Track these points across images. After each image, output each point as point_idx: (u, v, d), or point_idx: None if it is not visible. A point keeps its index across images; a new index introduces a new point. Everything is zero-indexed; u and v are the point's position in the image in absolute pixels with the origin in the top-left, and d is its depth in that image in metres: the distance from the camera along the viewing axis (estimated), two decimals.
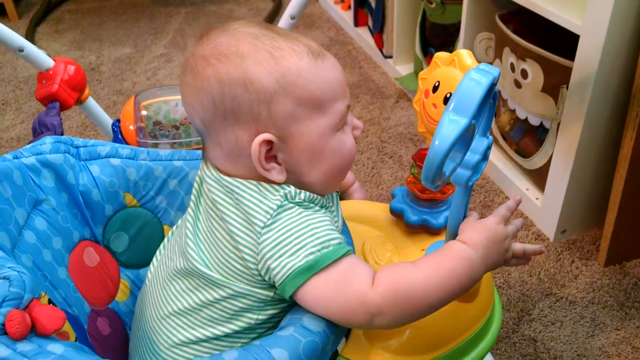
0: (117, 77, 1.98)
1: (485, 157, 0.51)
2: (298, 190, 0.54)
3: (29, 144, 0.76)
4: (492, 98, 0.48)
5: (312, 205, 0.54)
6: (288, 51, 0.52)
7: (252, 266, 0.53)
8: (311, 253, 0.50)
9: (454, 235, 0.57)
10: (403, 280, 0.51)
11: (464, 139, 0.45)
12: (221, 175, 0.56)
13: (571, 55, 1.04)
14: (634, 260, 1.13)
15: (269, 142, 0.53)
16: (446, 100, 0.59)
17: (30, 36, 2.29)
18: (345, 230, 0.64)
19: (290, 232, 0.51)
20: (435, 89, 0.61)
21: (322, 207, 0.56)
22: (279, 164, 0.54)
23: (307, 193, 0.54)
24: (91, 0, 2.73)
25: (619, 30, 0.93)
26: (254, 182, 0.54)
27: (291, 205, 0.53)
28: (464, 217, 0.57)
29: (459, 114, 0.43)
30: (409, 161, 1.47)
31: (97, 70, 2.04)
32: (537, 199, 1.25)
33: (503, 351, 0.98)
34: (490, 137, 0.52)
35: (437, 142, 0.43)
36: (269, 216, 0.52)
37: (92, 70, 2.03)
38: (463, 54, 0.59)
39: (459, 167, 0.49)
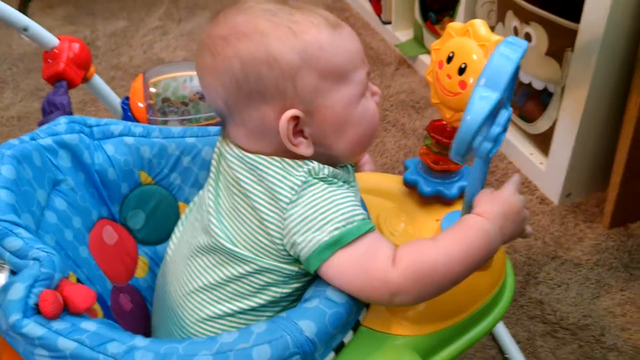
0: (113, 51, 1.95)
1: (505, 128, 0.52)
2: (322, 166, 0.55)
3: (39, 124, 0.76)
4: (516, 71, 0.48)
5: (335, 180, 0.55)
6: (307, 25, 0.53)
7: (278, 241, 0.54)
8: (336, 228, 0.51)
9: (470, 207, 0.58)
10: (425, 258, 0.52)
11: (493, 113, 0.46)
12: (243, 152, 0.56)
13: (576, 18, 1.03)
14: (639, 221, 1.15)
15: (295, 118, 0.53)
16: (461, 70, 0.59)
17: (22, 12, 2.25)
18: (361, 204, 0.65)
19: (316, 208, 0.52)
20: (449, 59, 0.61)
21: (345, 182, 0.57)
22: (306, 138, 0.55)
23: (330, 169, 0.55)
24: None
25: None
26: (278, 159, 0.55)
27: (315, 180, 0.54)
28: (482, 187, 0.58)
29: (490, 90, 0.43)
30: (412, 129, 1.47)
31: (92, 45, 2.01)
32: (541, 163, 1.26)
33: (511, 314, 1.01)
34: (510, 109, 0.52)
35: (469, 118, 0.43)
36: (294, 192, 0.53)
37: (87, 46, 2.00)
38: (477, 23, 0.59)
39: None
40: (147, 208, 0.72)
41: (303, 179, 0.53)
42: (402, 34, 1.79)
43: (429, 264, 0.52)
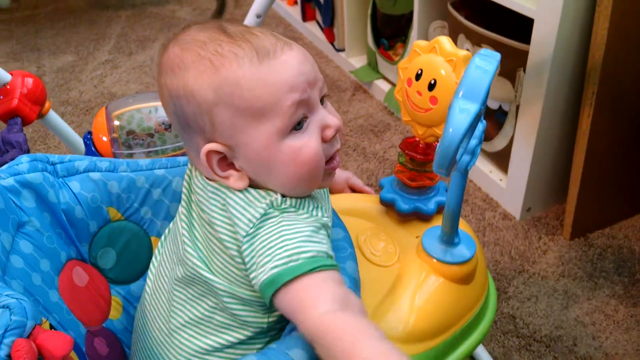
0: (62, 87, 1.90)
1: (480, 140, 0.53)
2: (285, 198, 0.53)
3: None
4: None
5: (299, 210, 0.53)
6: (229, 58, 0.50)
7: (245, 270, 0.52)
8: (276, 266, 0.48)
9: (451, 221, 0.58)
10: (347, 340, 0.43)
11: (473, 125, 0.46)
12: (207, 181, 0.55)
13: (525, 39, 1.08)
14: (597, 231, 1.19)
15: (218, 152, 0.52)
16: (431, 86, 0.60)
17: None
18: (340, 224, 0.64)
19: (264, 244, 0.49)
20: (418, 76, 0.62)
21: (316, 207, 0.55)
22: (238, 171, 0.53)
23: (296, 199, 0.53)
24: (23, 9, 2.61)
25: (572, 12, 0.98)
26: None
27: (276, 213, 0.51)
28: (461, 200, 0.58)
29: (469, 101, 0.44)
30: (373, 152, 1.48)
31: None
32: (500, 180, 1.29)
33: None
34: (484, 121, 0.53)
35: (450, 130, 0.43)
36: (251, 225, 0.51)
37: None
38: (443, 40, 0.61)
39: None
40: (117, 246, 0.69)
41: (262, 211, 0.51)
42: (355, 60, 1.83)
43: (345, 348, 0.42)
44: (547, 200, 1.25)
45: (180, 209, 0.59)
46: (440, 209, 0.70)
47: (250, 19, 0.88)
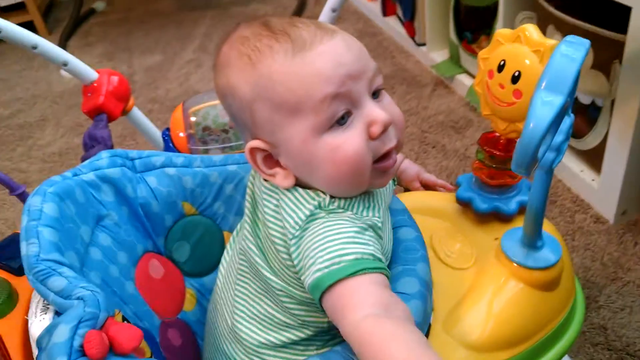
0: (150, 85, 1.99)
1: (567, 136, 0.48)
2: (334, 199, 0.51)
3: (81, 159, 0.76)
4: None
5: (347, 212, 0.51)
6: (265, 52, 0.49)
7: (296, 271, 0.51)
8: (319, 270, 0.46)
9: (534, 222, 0.54)
10: (384, 346, 0.40)
11: (557, 120, 0.42)
12: (262, 181, 0.55)
13: (621, 29, 0.99)
14: None
15: (262, 149, 0.51)
16: (515, 78, 0.56)
17: None
18: (412, 224, 0.62)
19: (309, 245, 0.48)
20: (500, 68, 0.58)
21: (366, 208, 0.52)
22: (284, 169, 0.52)
23: (345, 200, 0.51)
24: (117, 11, 2.75)
25: None
26: (291, 188, 0.52)
27: (322, 214, 0.50)
28: (546, 201, 0.54)
29: (553, 93, 0.40)
30: (453, 149, 1.43)
31: (130, 80, 2.02)
32: (592, 180, 1.20)
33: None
34: (572, 115, 0.49)
35: (531, 125, 0.40)
36: (297, 226, 0.50)
37: None
38: (529, 28, 0.56)
39: None
40: (192, 239, 0.70)
41: (308, 212, 0.50)
42: (437, 55, 1.77)
43: (382, 353, 0.40)
44: None
45: (247, 204, 0.59)
46: (522, 209, 0.65)
47: (325, 14, 0.87)
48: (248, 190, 0.59)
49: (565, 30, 1.12)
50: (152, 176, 0.68)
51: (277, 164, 0.52)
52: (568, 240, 1.13)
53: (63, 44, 2.39)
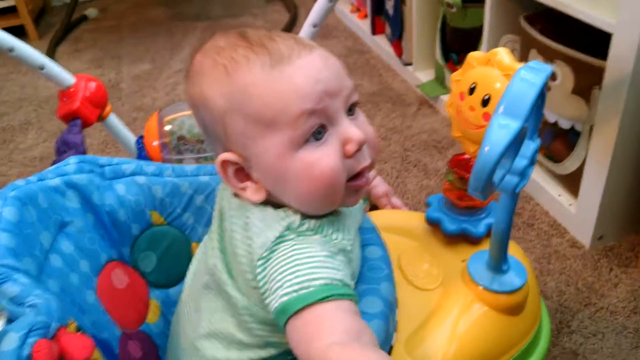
0: (136, 93, 1.98)
1: (532, 161, 0.48)
2: (304, 220, 0.50)
3: (52, 163, 0.74)
4: (540, 98, 0.45)
5: (316, 235, 0.50)
6: (241, 62, 0.48)
7: (261, 292, 0.50)
8: (286, 294, 0.45)
9: (499, 245, 0.54)
10: None
11: (515, 144, 0.42)
12: (232, 196, 0.54)
13: (602, 55, 1.00)
14: None
15: (234, 162, 0.50)
16: (485, 102, 0.56)
17: (50, 56, 2.30)
18: (379, 242, 0.61)
19: (276, 269, 0.47)
20: (471, 90, 0.59)
21: (336, 230, 0.51)
22: (255, 182, 0.51)
23: (316, 221, 0.50)
24: (109, 19, 2.76)
25: None
26: (260, 207, 0.51)
27: (291, 236, 0.48)
28: (510, 225, 0.54)
29: (510, 118, 0.40)
30: (434, 169, 1.44)
31: (116, 87, 2.04)
32: (570, 204, 1.21)
33: None
34: (538, 140, 0.49)
35: (486, 149, 0.40)
36: (265, 247, 0.48)
37: (112, 88, 2.04)
38: (501, 52, 0.56)
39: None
40: (159, 249, 0.69)
41: (277, 233, 0.48)
42: (423, 75, 1.79)
43: None
44: (622, 228, 1.15)
45: (214, 218, 0.58)
46: (490, 232, 0.65)
47: (306, 29, 0.88)
48: (217, 204, 0.59)
49: (547, 54, 1.14)
50: (120, 184, 0.67)
51: (249, 177, 0.51)
52: (544, 264, 1.13)
53: (52, 49, 2.38)
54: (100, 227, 0.64)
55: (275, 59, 0.47)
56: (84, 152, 0.84)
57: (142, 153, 0.93)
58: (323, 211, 0.51)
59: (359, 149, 0.49)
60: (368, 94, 1.82)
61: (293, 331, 0.45)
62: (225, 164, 0.50)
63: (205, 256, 0.60)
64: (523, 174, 0.48)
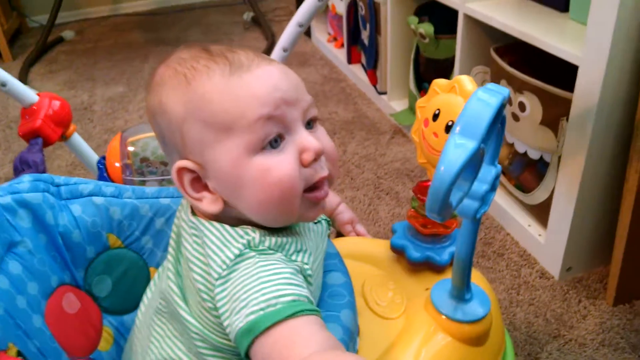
0: (109, 115, 1.96)
1: (493, 187, 0.48)
2: (264, 238, 0.49)
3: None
4: (500, 123, 0.45)
5: (277, 254, 0.48)
6: (202, 71, 0.48)
7: (217, 315, 0.48)
8: (252, 312, 0.43)
9: (462, 273, 0.53)
10: None
11: (472, 166, 0.42)
12: (189, 215, 0.52)
13: (570, 87, 1.02)
14: None
15: (191, 170, 0.49)
16: (448, 128, 0.56)
17: (23, 76, 2.28)
18: (342, 269, 0.60)
19: (240, 287, 0.45)
20: (435, 117, 0.58)
21: (297, 252, 0.50)
22: (212, 193, 0.50)
23: (276, 239, 0.49)
24: (85, 41, 2.74)
25: (620, 60, 0.91)
26: (217, 225, 0.50)
27: (252, 254, 0.47)
28: (472, 252, 0.53)
29: (466, 138, 0.39)
30: (407, 197, 1.43)
31: (89, 109, 2.02)
32: (539, 235, 1.21)
33: None
34: (499, 166, 0.48)
35: (442, 169, 0.39)
36: (224, 266, 0.47)
37: (84, 110, 2.01)
38: (464, 79, 0.56)
39: (466, 198, 0.46)
40: (114, 274, 0.67)
41: (237, 251, 0.47)
42: (397, 104, 1.80)
43: None
44: (590, 260, 1.16)
45: (171, 240, 0.57)
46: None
47: (276, 52, 0.87)
48: (174, 226, 0.57)
49: (516, 85, 1.15)
50: (77, 204, 0.64)
51: (205, 187, 0.50)
52: (513, 295, 1.12)
53: (26, 70, 2.35)
54: (52, 249, 0.62)
55: (234, 67, 0.48)
56: (43, 171, 0.81)
57: (103, 174, 0.91)
58: (279, 222, 0.50)
59: (316, 159, 0.49)
60: (343, 121, 1.82)
61: (261, 351, 0.43)
62: (181, 171, 0.50)
63: (160, 281, 0.58)
64: (484, 200, 0.47)
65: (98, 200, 0.66)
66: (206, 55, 0.50)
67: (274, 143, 0.48)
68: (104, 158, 0.93)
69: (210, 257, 0.48)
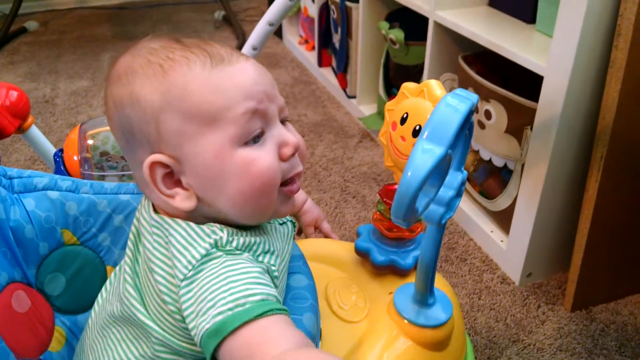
0: (72, 110, 1.90)
1: (459, 193, 0.48)
2: (232, 236, 0.48)
3: None
4: (467, 129, 0.45)
5: (244, 253, 0.47)
6: (180, 61, 0.47)
7: (180, 319, 0.47)
8: (220, 313, 0.42)
9: (425, 278, 0.53)
10: None
11: (439, 171, 0.41)
12: (151, 212, 0.51)
13: (535, 97, 1.04)
14: (600, 305, 1.11)
15: (164, 165, 0.47)
16: (415, 132, 0.56)
17: None
18: (306, 271, 0.59)
19: (206, 287, 0.44)
20: (403, 120, 0.58)
21: (264, 253, 0.49)
22: (186, 189, 0.48)
23: (243, 239, 0.48)
24: (50, 33, 2.67)
25: (583, 71, 0.93)
26: (182, 223, 0.48)
27: (219, 254, 0.46)
28: (436, 257, 0.53)
29: (433, 143, 0.39)
30: (373, 201, 1.43)
31: (51, 102, 1.96)
32: (502, 241, 1.23)
33: None
34: (465, 172, 0.48)
35: (409, 174, 0.38)
36: (190, 266, 0.46)
37: (46, 103, 1.95)
38: (433, 84, 0.56)
39: (432, 203, 0.45)
40: (68, 272, 0.64)
41: (204, 251, 0.46)
42: (366, 108, 1.80)
43: None
44: (550, 266, 1.18)
45: (130, 240, 0.55)
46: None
47: (246, 51, 0.86)
48: (133, 226, 0.55)
49: (483, 93, 1.16)
50: (30, 198, 0.62)
51: (178, 184, 0.48)
52: (474, 299, 1.13)
53: None
54: (2, 244, 0.59)
55: (215, 60, 0.47)
56: None
57: (60, 167, 0.88)
58: (255, 218, 0.50)
59: (293, 154, 0.50)
60: (311, 124, 1.82)
61: (229, 353, 0.42)
62: (154, 166, 0.47)
63: (117, 282, 0.56)
64: (449, 205, 0.47)
65: (53, 194, 0.63)
66: (180, 46, 0.48)
67: (256, 139, 0.48)
68: (61, 151, 0.90)
69: (175, 257, 0.46)
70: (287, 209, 0.52)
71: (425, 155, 0.38)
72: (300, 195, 0.75)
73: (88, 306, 0.65)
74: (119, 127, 0.50)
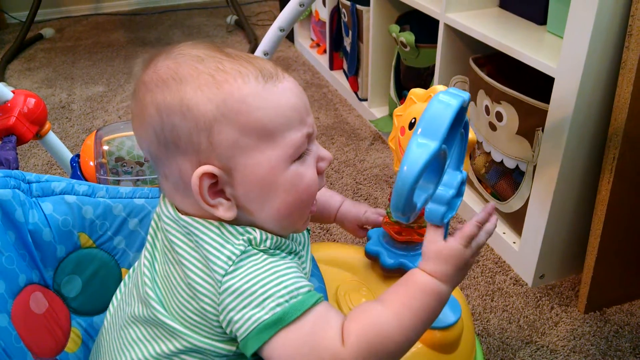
0: (87, 115, 1.93)
1: (459, 192, 0.48)
2: (264, 237, 0.49)
3: None
4: (463, 128, 0.45)
5: (278, 252, 0.50)
6: (233, 74, 0.47)
7: (213, 317, 0.48)
8: (278, 304, 0.45)
9: None
10: (375, 328, 0.46)
11: (435, 167, 0.42)
12: (179, 214, 0.51)
13: (546, 98, 1.04)
14: (614, 306, 1.11)
15: (212, 175, 0.48)
16: (411, 125, 0.57)
17: (0, 73, 2.25)
18: (317, 274, 0.60)
19: (255, 280, 0.46)
20: (411, 125, 0.59)
21: (290, 253, 0.51)
22: (228, 199, 0.49)
23: (275, 239, 0.50)
24: (65, 39, 2.71)
25: (595, 72, 0.93)
26: (216, 224, 0.50)
27: (255, 251, 0.48)
28: None
29: (427, 138, 0.40)
30: (385, 203, 1.44)
31: (67, 108, 1.99)
32: (514, 243, 1.22)
33: None
34: (464, 172, 0.49)
35: (405, 168, 0.40)
36: (230, 262, 0.47)
37: (62, 108, 1.99)
38: (439, 89, 0.57)
39: (433, 202, 0.46)
40: (85, 274, 0.66)
41: (242, 248, 0.48)
42: (377, 111, 1.81)
43: (381, 336, 0.46)
44: (563, 268, 1.17)
45: (147, 242, 0.56)
46: None
47: (257, 55, 0.87)
48: (151, 228, 0.56)
49: (494, 95, 1.17)
50: (48, 202, 0.63)
51: (221, 193, 0.49)
52: (487, 301, 1.13)
53: (3, 67, 2.31)
54: (21, 247, 0.61)
55: (266, 75, 0.49)
56: (17, 169, 0.80)
57: (76, 172, 0.90)
58: (292, 228, 0.53)
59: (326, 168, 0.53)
60: (324, 126, 1.83)
61: (283, 343, 0.45)
62: (203, 177, 0.48)
63: (134, 284, 0.57)
64: (450, 205, 0.48)
65: (70, 198, 0.65)
66: (226, 57, 0.49)
67: (303, 154, 0.51)
68: (77, 156, 0.92)
69: (210, 254, 0.48)
70: (306, 225, 0.55)
71: (420, 149, 0.40)
72: (335, 198, 0.73)
73: (104, 308, 0.66)
74: (156, 132, 0.49)
